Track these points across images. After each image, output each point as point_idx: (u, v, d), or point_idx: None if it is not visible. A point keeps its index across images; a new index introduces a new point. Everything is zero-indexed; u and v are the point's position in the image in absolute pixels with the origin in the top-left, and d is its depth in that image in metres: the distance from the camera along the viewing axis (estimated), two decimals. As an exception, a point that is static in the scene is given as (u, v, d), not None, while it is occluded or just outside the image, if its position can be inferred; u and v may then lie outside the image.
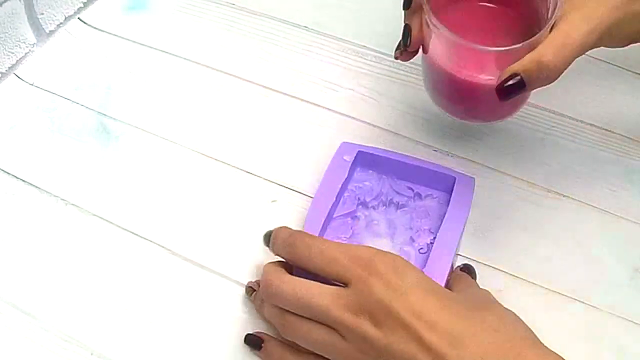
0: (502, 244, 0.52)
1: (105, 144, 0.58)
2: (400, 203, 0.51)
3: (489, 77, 0.46)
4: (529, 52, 0.44)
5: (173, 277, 0.50)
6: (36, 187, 0.55)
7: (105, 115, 0.60)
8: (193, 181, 0.56)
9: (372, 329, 0.40)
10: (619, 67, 0.63)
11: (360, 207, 0.51)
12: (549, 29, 0.44)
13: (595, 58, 0.63)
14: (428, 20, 0.45)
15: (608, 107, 0.61)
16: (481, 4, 0.49)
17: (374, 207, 0.51)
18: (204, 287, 0.50)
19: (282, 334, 0.44)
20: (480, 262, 0.51)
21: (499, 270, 0.51)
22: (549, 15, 0.45)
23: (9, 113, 0.60)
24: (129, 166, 0.57)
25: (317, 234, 0.47)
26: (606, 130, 0.59)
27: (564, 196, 0.55)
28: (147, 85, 0.62)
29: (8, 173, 0.56)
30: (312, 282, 0.42)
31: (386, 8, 0.64)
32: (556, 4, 0.44)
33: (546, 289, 0.50)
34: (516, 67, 0.44)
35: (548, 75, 0.44)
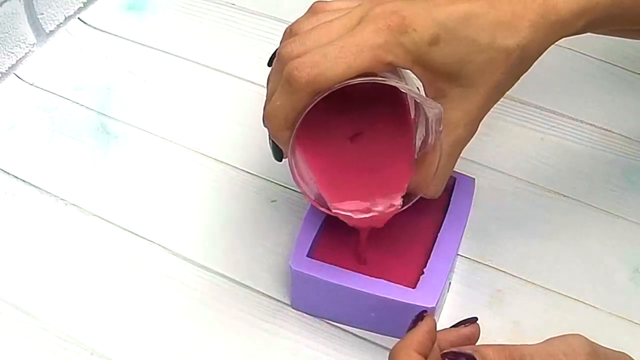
0: (502, 244, 0.52)
1: (105, 144, 0.58)
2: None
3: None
4: None
5: (173, 277, 0.50)
6: (36, 187, 0.55)
7: (105, 115, 0.60)
8: (193, 181, 0.56)
9: None
10: (619, 67, 0.63)
11: (360, 207, 0.51)
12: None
13: (595, 58, 0.63)
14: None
15: (608, 107, 0.61)
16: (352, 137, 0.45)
17: (373, 207, 0.51)
18: (204, 286, 0.50)
19: None
20: (480, 262, 0.51)
21: (499, 270, 0.51)
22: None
23: (9, 113, 0.60)
24: (129, 166, 0.57)
25: (314, 234, 0.47)
26: (606, 130, 0.59)
27: (564, 196, 0.55)
28: (147, 86, 0.62)
29: (8, 173, 0.56)
30: None
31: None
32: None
33: (546, 289, 0.50)
34: None
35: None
